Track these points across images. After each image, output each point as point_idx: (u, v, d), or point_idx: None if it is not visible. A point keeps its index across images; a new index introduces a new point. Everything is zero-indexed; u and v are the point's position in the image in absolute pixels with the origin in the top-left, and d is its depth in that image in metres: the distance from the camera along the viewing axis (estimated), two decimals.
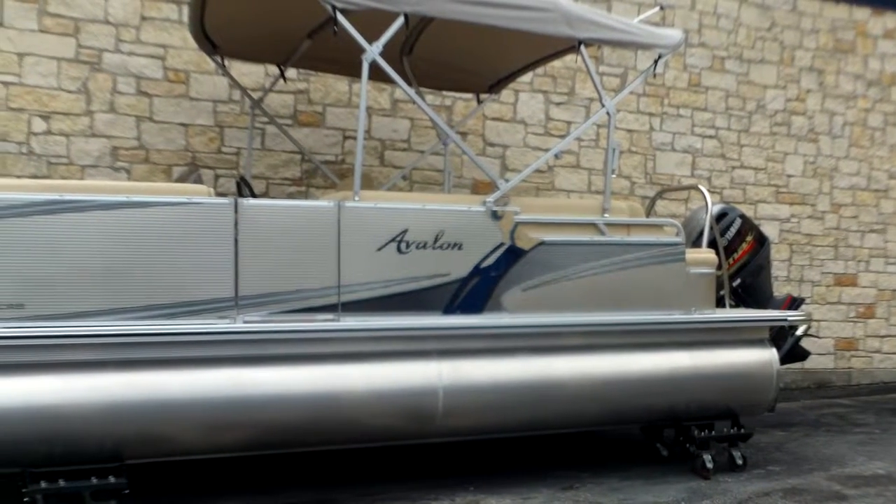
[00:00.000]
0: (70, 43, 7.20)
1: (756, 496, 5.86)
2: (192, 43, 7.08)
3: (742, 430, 6.46)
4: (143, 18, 7.42)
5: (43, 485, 4.57)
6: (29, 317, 4.55)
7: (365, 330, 5.27)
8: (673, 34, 6.40)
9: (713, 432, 6.35)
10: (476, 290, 5.58)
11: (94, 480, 4.65)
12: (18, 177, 6.96)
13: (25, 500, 4.55)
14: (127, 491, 4.71)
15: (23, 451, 4.52)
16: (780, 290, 9.34)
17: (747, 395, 6.45)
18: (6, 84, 7.00)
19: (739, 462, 6.42)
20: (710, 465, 6.20)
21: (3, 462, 4.54)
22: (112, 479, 4.68)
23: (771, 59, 10.19)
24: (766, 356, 6.47)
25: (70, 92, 7.21)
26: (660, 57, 6.41)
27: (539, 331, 5.76)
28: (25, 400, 4.49)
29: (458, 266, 5.53)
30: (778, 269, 9.91)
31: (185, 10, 7.33)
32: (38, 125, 7.11)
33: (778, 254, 10.02)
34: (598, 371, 5.90)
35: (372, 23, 5.40)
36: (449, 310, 5.51)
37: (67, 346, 4.60)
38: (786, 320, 6.82)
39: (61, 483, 4.59)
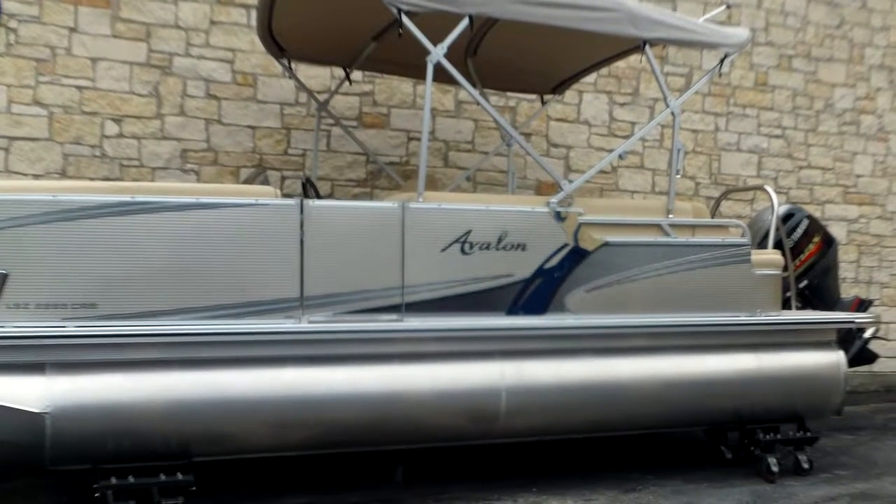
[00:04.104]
0: (141, 48, 7.34)
1: (822, 501, 5.79)
2: (259, 47, 7.20)
3: (808, 434, 6.39)
4: (213, 23, 7.55)
5: (113, 481, 4.65)
6: (101, 316, 4.65)
7: (429, 330, 5.30)
8: (739, 33, 6.34)
9: (778, 435, 6.30)
10: (539, 291, 5.58)
11: (163, 477, 4.72)
12: (91, 179, 7.12)
13: (96, 495, 4.64)
14: (194, 488, 4.78)
15: (93, 447, 4.60)
16: (847, 291, 9.21)
17: (813, 398, 6.37)
18: (80, 88, 7.16)
19: (805, 466, 6.35)
20: (775, 469, 6.14)
21: (75, 458, 4.63)
22: (180, 476, 4.75)
23: (840, 58, 10.05)
24: (832, 359, 6.39)
25: (141, 96, 7.35)
26: (726, 56, 6.36)
27: (603, 332, 5.74)
28: (96, 397, 4.57)
29: (521, 267, 5.53)
30: (846, 271, 9.77)
31: (254, 14, 7.43)
32: (111, 128, 7.26)
33: (846, 255, 9.88)
34: (662, 373, 5.86)
35: (436, 24, 5.43)
36: (512, 310, 5.52)
37: (137, 345, 4.68)
38: (853, 322, 6.73)
39: (130, 479, 4.67)
